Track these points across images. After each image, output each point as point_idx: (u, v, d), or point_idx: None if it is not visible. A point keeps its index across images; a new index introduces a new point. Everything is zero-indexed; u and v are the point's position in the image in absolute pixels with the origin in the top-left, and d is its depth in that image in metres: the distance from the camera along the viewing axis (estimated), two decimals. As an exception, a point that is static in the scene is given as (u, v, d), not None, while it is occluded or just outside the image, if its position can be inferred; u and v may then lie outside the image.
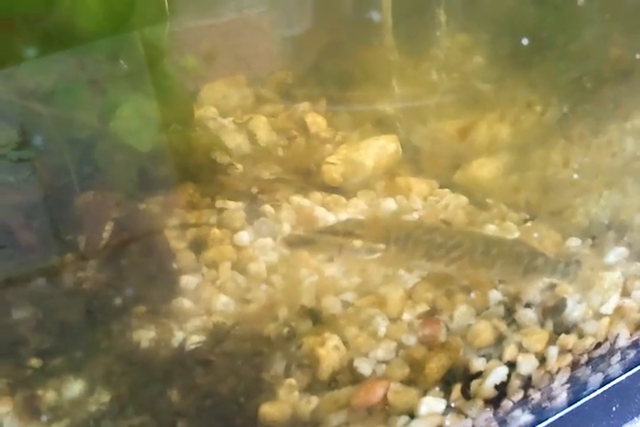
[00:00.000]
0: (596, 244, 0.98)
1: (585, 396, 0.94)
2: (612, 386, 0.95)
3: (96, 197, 0.97)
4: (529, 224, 1.00)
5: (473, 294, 0.85)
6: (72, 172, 0.97)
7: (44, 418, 0.75)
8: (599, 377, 0.95)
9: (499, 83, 1.25)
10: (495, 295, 0.89)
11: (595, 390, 0.94)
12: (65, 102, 0.87)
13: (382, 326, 0.84)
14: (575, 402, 0.93)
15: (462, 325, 0.86)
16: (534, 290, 0.90)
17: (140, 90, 0.95)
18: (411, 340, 0.84)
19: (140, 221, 0.99)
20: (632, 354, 0.97)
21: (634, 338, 0.96)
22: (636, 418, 1.01)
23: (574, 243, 0.99)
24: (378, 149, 1.15)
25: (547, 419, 0.91)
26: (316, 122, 1.26)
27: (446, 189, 1.11)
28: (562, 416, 0.92)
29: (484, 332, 0.85)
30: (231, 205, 1.04)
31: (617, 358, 0.95)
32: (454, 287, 0.88)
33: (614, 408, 0.97)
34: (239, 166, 1.14)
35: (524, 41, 1.24)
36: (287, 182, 1.11)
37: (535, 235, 0.90)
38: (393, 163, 1.16)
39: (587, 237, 0.98)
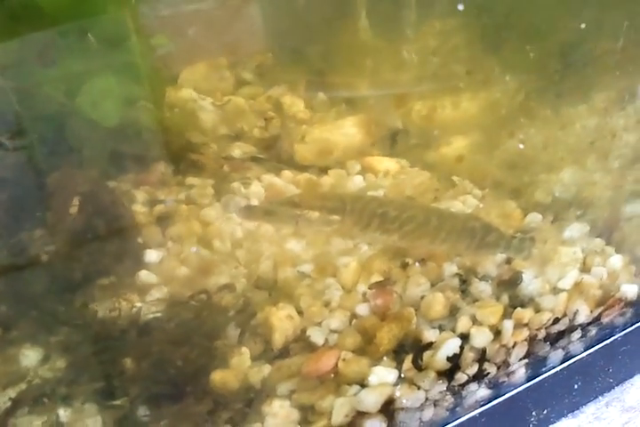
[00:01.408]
0: (557, 220, 0.98)
1: (544, 372, 0.94)
2: (573, 363, 0.96)
3: (65, 173, 1.00)
4: (489, 201, 1.01)
5: (418, 264, 0.86)
6: (42, 149, 0.99)
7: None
8: (559, 354, 0.95)
9: (473, 64, 1.25)
10: (450, 268, 0.90)
11: (554, 367, 0.95)
12: (30, 77, 0.89)
13: (336, 296, 0.85)
14: (534, 378, 0.94)
15: (416, 296, 0.87)
16: (490, 263, 0.91)
17: (108, 66, 0.97)
18: (363, 310, 0.85)
19: (108, 197, 1.01)
20: (593, 331, 0.97)
21: (594, 315, 0.96)
22: (600, 397, 1.01)
23: (534, 218, 0.99)
24: (350, 129, 1.16)
25: (504, 394, 0.92)
26: (294, 103, 1.27)
27: (416, 168, 1.12)
28: (520, 392, 0.93)
29: (438, 303, 0.86)
30: (200, 182, 1.06)
31: (577, 334, 0.96)
32: (409, 259, 0.89)
33: (576, 386, 0.98)
34: (213, 146, 1.16)
35: (499, 24, 1.26)
36: (259, 161, 1.13)
37: (492, 210, 0.90)
38: (365, 143, 1.17)
39: (548, 214, 0.99)
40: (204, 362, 0.81)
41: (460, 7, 1.02)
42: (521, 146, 1.07)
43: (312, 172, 1.12)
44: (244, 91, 1.33)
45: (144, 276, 0.91)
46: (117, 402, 0.77)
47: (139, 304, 0.87)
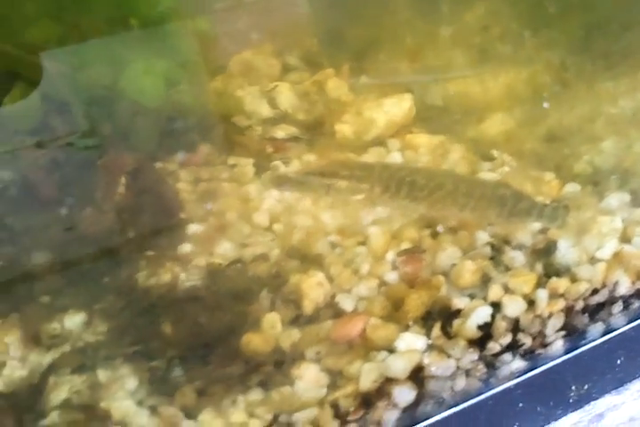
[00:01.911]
0: (597, 190, 0.96)
1: (584, 345, 0.92)
2: (615, 337, 0.93)
3: (114, 156, 1.05)
4: (526, 171, 1.00)
5: (448, 232, 0.86)
6: (92, 132, 1.04)
7: (44, 346, 0.83)
8: (599, 327, 0.93)
9: (515, 44, 1.24)
10: (482, 236, 0.89)
11: (594, 340, 0.92)
12: (76, 60, 0.94)
13: (365, 263, 0.86)
14: (573, 351, 0.91)
15: (446, 264, 0.86)
16: (524, 232, 0.90)
17: (150, 49, 1.01)
18: (392, 277, 0.86)
19: (153, 176, 1.05)
20: (636, 304, 0.94)
21: (636, 286, 0.93)
22: (646, 373, 0.98)
23: (573, 188, 0.97)
24: (391, 107, 1.16)
25: (541, 366, 0.90)
26: (338, 87, 1.29)
27: (456, 144, 1.12)
28: (558, 364, 0.91)
29: (468, 271, 0.86)
30: (243, 161, 1.09)
31: (619, 307, 0.93)
32: (440, 227, 0.89)
33: (619, 361, 0.95)
34: (258, 128, 1.19)
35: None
36: (300, 141, 1.15)
37: (529, 180, 0.89)
38: (406, 120, 1.17)
39: (588, 184, 0.97)
40: (237, 326, 0.83)
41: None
42: (567, 115, 1.05)
43: (353, 150, 1.13)
44: (290, 76, 1.35)
45: (185, 248, 0.95)
46: (153, 364, 0.80)
47: (179, 273, 0.91)
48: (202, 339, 0.83)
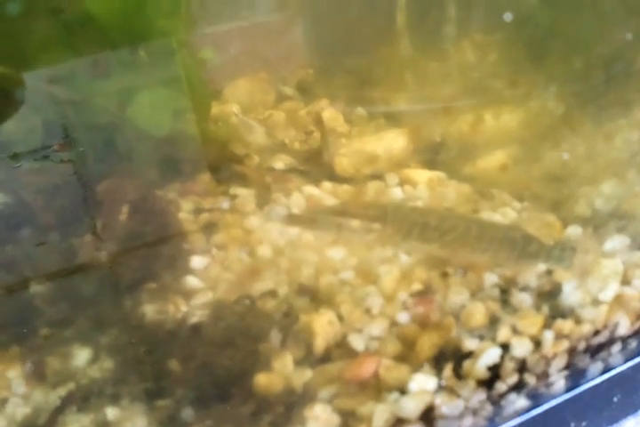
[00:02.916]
0: (598, 232, 0.97)
1: (584, 384, 0.93)
2: (613, 376, 0.94)
3: (114, 182, 1.02)
4: (528, 213, 1.01)
5: (458, 273, 0.86)
6: (94, 158, 1.01)
7: (49, 382, 0.79)
8: (599, 366, 0.94)
9: (512, 80, 1.26)
10: (491, 278, 0.90)
11: (594, 379, 0.93)
12: (84, 89, 0.91)
13: (377, 303, 0.85)
14: (573, 389, 0.92)
15: (456, 305, 0.86)
16: (531, 274, 0.90)
17: (158, 79, 0.99)
18: (404, 318, 0.85)
19: (156, 205, 1.03)
20: (634, 344, 0.96)
21: (635, 327, 0.95)
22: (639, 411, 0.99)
23: (574, 231, 0.98)
24: (389, 142, 1.16)
25: (543, 404, 0.90)
26: (333, 118, 1.28)
27: (454, 181, 1.12)
28: (559, 403, 0.91)
29: (478, 313, 0.86)
30: (244, 192, 1.07)
31: (617, 347, 0.94)
32: (449, 269, 0.89)
33: (615, 399, 0.96)
34: (256, 158, 1.17)
35: (537, 40, 1.27)
36: (300, 173, 1.14)
37: (532, 222, 0.90)
38: (404, 155, 1.18)
39: (588, 226, 0.98)
40: (248, 365, 0.81)
41: (506, 17, 1.02)
42: (565, 156, 1.06)
43: (351, 183, 1.12)
44: (285, 105, 1.35)
45: (190, 281, 0.92)
46: (163, 402, 0.78)
47: (185, 308, 0.88)
48: (212, 377, 0.80)
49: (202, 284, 0.92)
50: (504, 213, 1.02)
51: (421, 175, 1.13)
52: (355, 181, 1.13)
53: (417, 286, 0.87)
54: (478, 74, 1.29)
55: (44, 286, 0.92)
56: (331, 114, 1.29)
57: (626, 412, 0.98)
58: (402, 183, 1.12)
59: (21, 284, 0.92)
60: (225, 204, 1.05)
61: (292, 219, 0.87)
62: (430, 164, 1.16)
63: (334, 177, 1.14)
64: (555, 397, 0.91)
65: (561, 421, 0.92)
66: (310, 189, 1.10)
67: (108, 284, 0.92)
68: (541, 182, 1.06)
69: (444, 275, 0.88)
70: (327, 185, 1.11)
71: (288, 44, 1.38)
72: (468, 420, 0.85)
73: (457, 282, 0.88)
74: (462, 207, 1.02)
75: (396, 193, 1.07)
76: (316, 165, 1.17)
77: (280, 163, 1.17)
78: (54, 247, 0.96)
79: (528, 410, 0.89)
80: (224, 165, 1.14)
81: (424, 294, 0.86)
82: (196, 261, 0.95)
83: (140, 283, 0.92)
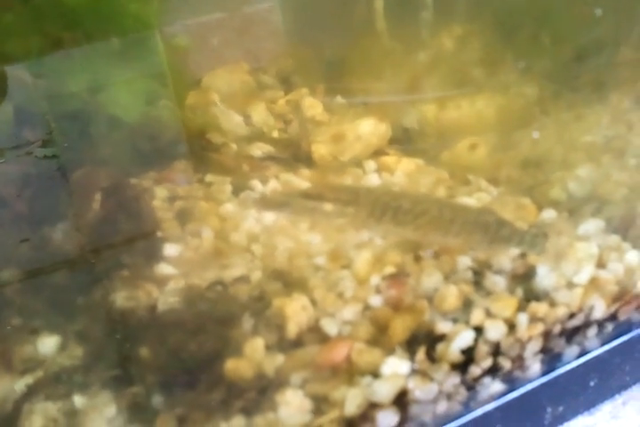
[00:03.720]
0: (572, 216, 0.96)
1: (559, 368, 0.92)
2: (589, 360, 0.93)
3: (88, 170, 1.00)
4: (503, 197, 0.99)
5: (431, 256, 0.84)
6: (67, 147, 0.99)
7: (16, 370, 0.77)
8: (575, 350, 0.92)
9: (488, 68, 1.25)
10: (464, 261, 0.88)
11: (570, 363, 0.92)
12: (54, 74, 0.89)
13: (349, 287, 0.84)
14: (549, 373, 0.91)
15: (429, 288, 0.85)
16: (504, 257, 0.89)
17: (131, 65, 0.97)
18: (376, 301, 0.84)
19: (129, 192, 1.01)
20: (610, 327, 0.94)
21: (611, 311, 0.93)
22: (617, 395, 0.98)
23: (549, 215, 0.97)
24: (367, 128, 1.15)
25: (519, 388, 0.89)
26: (312, 106, 1.27)
27: (432, 167, 1.11)
28: (535, 387, 0.90)
29: (451, 296, 0.84)
30: (220, 179, 1.05)
31: (593, 330, 0.93)
32: (422, 252, 0.87)
33: (592, 383, 0.95)
34: (233, 146, 1.16)
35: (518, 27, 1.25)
36: (277, 160, 1.12)
37: (506, 206, 0.89)
38: (382, 143, 1.16)
39: (563, 210, 0.97)
40: (219, 351, 0.79)
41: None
42: (539, 140, 1.05)
43: (328, 170, 1.11)
44: (264, 94, 1.33)
45: (162, 268, 0.91)
46: (132, 390, 0.76)
47: (156, 295, 0.87)
48: (182, 364, 0.79)
49: (175, 271, 0.91)
50: (479, 198, 1.01)
51: (398, 162, 1.12)
52: (332, 168, 1.11)
53: (389, 269, 0.85)
54: (457, 62, 1.28)
55: (14, 276, 0.90)
56: (310, 103, 1.28)
57: (603, 396, 0.96)
58: (379, 170, 1.11)
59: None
60: (200, 191, 1.03)
61: (263, 202, 0.86)
62: (408, 151, 1.15)
63: (312, 164, 1.13)
64: (530, 381, 0.89)
65: (537, 405, 0.91)
66: (287, 177, 1.08)
67: (81, 272, 0.90)
68: (518, 168, 1.05)
69: (417, 258, 0.87)
70: (305, 172, 1.10)
71: (268, 33, 1.36)
72: (443, 404, 0.84)
73: (430, 265, 0.86)
74: (438, 192, 1.01)
75: (373, 179, 1.06)
76: (294, 153, 1.15)
77: (258, 151, 1.15)
78: (26, 236, 0.94)
79: (503, 394, 0.88)
80: (201, 153, 1.13)
81: (397, 277, 0.84)
82: (170, 249, 0.94)
83: (112, 271, 0.91)
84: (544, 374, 0.90)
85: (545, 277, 0.88)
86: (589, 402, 0.95)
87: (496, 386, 0.87)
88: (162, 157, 1.09)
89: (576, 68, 1.15)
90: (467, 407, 0.86)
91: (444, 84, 1.24)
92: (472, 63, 1.25)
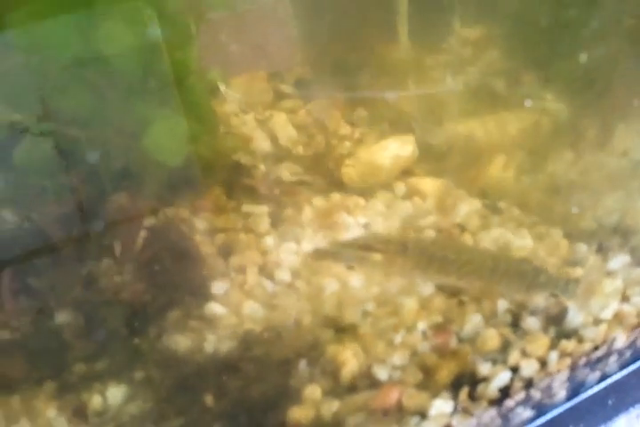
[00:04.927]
0: (602, 249, 1.04)
1: (582, 393, 1.02)
2: (609, 384, 1.04)
3: (128, 200, 1.04)
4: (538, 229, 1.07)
5: (471, 301, 0.93)
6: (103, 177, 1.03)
7: (93, 423, 0.85)
8: (596, 375, 1.03)
9: (514, 78, 1.29)
10: (503, 304, 0.97)
11: (592, 387, 1.03)
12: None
13: (398, 334, 0.92)
14: (573, 398, 1.02)
15: (471, 332, 0.94)
16: (539, 299, 0.98)
17: (169, 106, 1.00)
18: (424, 347, 0.92)
19: (172, 226, 1.06)
20: (627, 354, 1.05)
21: (630, 339, 1.04)
22: (631, 408, 1.10)
23: (581, 249, 1.05)
24: (395, 151, 1.20)
25: (545, 413, 1.00)
26: (334, 119, 1.31)
27: (462, 191, 1.17)
28: (560, 412, 1.01)
29: (491, 339, 0.93)
30: (256, 209, 1.11)
31: (614, 358, 1.04)
32: (465, 298, 0.95)
33: (610, 402, 1.06)
34: (261, 167, 1.20)
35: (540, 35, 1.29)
36: (308, 184, 1.17)
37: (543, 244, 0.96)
38: (409, 163, 1.22)
39: (593, 242, 1.05)
40: (279, 397, 0.87)
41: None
42: (570, 165, 1.10)
43: (359, 194, 1.17)
44: (283, 104, 1.36)
45: (212, 308, 0.97)
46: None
47: (211, 338, 0.94)
48: (246, 411, 0.87)
49: (224, 310, 0.97)
50: (512, 230, 1.08)
51: (428, 184, 1.18)
52: (362, 192, 1.17)
53: (436, 317, 0.93)
54: (478, 72, 1.32)
55: (68, 317, 0.96)
56: (330, 115, 1.32)
57: (618, 411, 1.08)
58: (409, 194, 1.17)
59: (47, 316, 0.96)
60: (238, 223, 1.09)
61: (318, 254, 0.93)
62: (435, 171, 1.21)
63: (342, 187, 1.18)
64: (556, 406, 1.00)
65: (561, 425, 1.02)
66: (320, 202, 1.14)
67: (134, 313, 0.96)
68: (549, 192, 1.12)
69: (461, 303, 0.95)
70: (336, 197, 1.16)
71: (284, 41, 1.38)
72: (481, 435, 0.94)
73: (472, 310, 0.95)
74: (472, 223, 1.08)
75: (407, 208, 1.12)
76: (322, 174, 1.20)
77: (286, 172, 1.20)
78: (73, 273, 1.00)
79: (532, 420, 0.98)
80: (231, 177, 1.17)
81: (442, 325, 0.93)
82: (217, 287, 1.00)
83: (164, 311, 0.97)
84: (568, 399, 1.01)
85: (575, 316, 0.98)
86: (607, 417, 1.06)
87: (527, 413, 0.98)
88: (193, 182, 1.13)
89: (607, 82, 1.19)
90: (501, 435, 0.96)
91: (467, 97, 1.29)
92: (496, 74, 1.29)
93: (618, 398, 1.07)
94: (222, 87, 1.28)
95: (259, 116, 1.32)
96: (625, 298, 1.03)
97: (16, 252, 1.00)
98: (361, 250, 0.91)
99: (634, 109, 1.20)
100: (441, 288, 0.96)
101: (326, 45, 1.39)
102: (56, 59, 0.89)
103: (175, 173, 1.11)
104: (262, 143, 1.26)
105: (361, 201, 1.15)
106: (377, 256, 0.91)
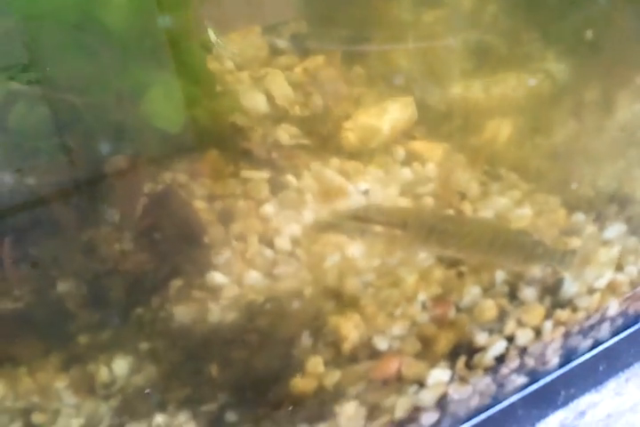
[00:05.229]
0: (599, 218, 1.06)
1: (574, 359, 1.07)
2: (601, 350, 1.08)
3: (125, 164, 1.03)
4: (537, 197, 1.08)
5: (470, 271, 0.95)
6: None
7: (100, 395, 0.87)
8: (588, 342, 1.07)
9: (516, 36, 1.27)
10: (500, 275, 0.99)
11: (584, 354, 1.07)
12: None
13: (398, 305, 0.95)
14: (565, 365, 1.06)
15: (469, 303, 0.97)
16: (536, 270, 1.00)
17: (166, 69, 0.98)
18: (423, 318, 0.95)
19: (170, 191, 1.06)
20: (620, 321, 1.09)
21: (622, 308, 1.07)
22: (620, 373, 1.14)
23: (578, 218, 1.07)
24: (394, 114, 1.20)
25: (539, 380, 1.04)
26: (331, 77, 1.30)
27: (461, 155, 1.18)
28: (553, 378, 1.05)
29: (489, 309, 0.97)
30: (255, 175, 1.11)
31: (606, 325, 1.07)
32: (464, 268, 0.98)
33: (601, 368, 1.11)
34: (259, 129, 1.19)
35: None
36: (306, 148, 1.17)
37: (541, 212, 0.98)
38: (409, 126, 1.22)
39: (590, 211, 1.06)
40: (283, 368, 0.91)
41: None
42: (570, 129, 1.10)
43: (358, 159, 1.17)
44: (279, 61, 1.34)
45: (215, 277, 0.99)
46: (207, 408, 0.87)
47: (214, 307, 0.96)
48: (250, 381, 0.90)
49: (226, 279, 0.99)
50: (512, 197, 1.09)
51: (427, 148, 1.18)
52: (361, 157, 1.17)
53: (435, 288, 0.96)
54: (479, 28, 1.29)
55: (70, 287, 0.97)
56: (328, 73, 1.30)
57: (609, 375, 1.13)
58: (409, 159, 1.17)
59: (47, 283, 0.97)
60: (237, 189, 1.09)
61: (319, 226, 0.94)
62: (435, 135, 1.21)
63: (340, 151, 1.18)
64: (549, 373, 1.04)
65: (553, 391, 1.06)
66: (318, 167, 1.14)
67: (137, 282, 0.98)
68: (548, 157, 1.13)
69: (460, 274, 0.97)
70: (335, 162, 1.16)
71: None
72: (475, 400, 0.98)
73: (471, 281, 0.97)
74: (472, 190, 1.09)
75: (406, 174, 1.12)
76: (320, 137, 1.20)
77: (284, 134, 1.19)
78: (73, 241, 1.00)
79: (526, 386, 1.03)
80: (228, 140, 1.16)
81: (441, 297, 0.95)
82: (219, 255, 1.01)
83: (166, 280, 0.98)
84: (561, 366, 1.05)
85: (570, 286, 1.01)
86: (597, 382, 1.12)
87: (520, 380, 1.02)
88: (191, 146, 1.13)
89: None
90: (495, 400, 1.01)
91: (466, 58, 1.27)
92: (498, 33, 1.28)
93: (608, 363, 1.11)
94: (217, 43, 1.25)
95: (254, 74, 1.30)
96: (619, 267, 1.06)
97: (13, 218, 1.01)
98: (361, 222, 0.92)
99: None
100: (440, 259, 0.97)
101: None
102: (51, 22, 0.86)
103: (172, 136, 1.10)
104: (259, 103, 1.24)
105: (360, 166, 1.15)
106: (377, 228, 0.93)
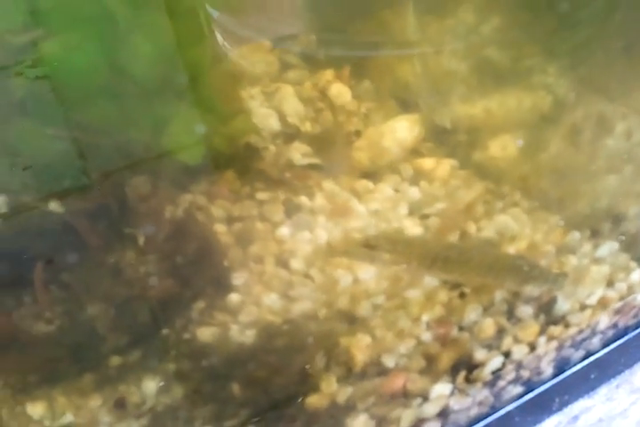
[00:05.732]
0: (594, 235, 1.15)
1: (567, 370, 1.17)
2: (592, 361, 1.18)
3: (147, 186, 1.11)
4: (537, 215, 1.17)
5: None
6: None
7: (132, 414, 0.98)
8: (581, 353, 1.18)
9: (520, 51, 1.33)
10: (499, 294, 1.10)
11: (576, 364, 1.17)
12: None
13: (405, 326, 1.05)
14: (558, 375, 1.16)
15: (470, 321, 1.07)
16: (532, 290, 1.10)
17: (186, 103, 1.06)
18: (427, 337, 1.06)
19: (191, 214, 1.15)
20: (610, 333, 1.19)
21: (612, 322, 1.17)
22: (612, 379, 1.25)
23: (574, 237, 1.17)
24: (402, 132, 1.28)
25: (534, 389, 1.15)
26: (341, 93, 1.37)
27: (467, 171, 1.26)
28: (547, 387, 1.16)
29: (488, 327, 1.07)
30: (269, 196, 1.19)
31: (597, 338, 1.18)
32: (466, 290, 1.08)
33: (592, 376, 1.21)
34: (272, 148, 1.28)
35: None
36: (318, 168, 1.25)
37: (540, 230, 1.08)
38: (416, 143, 1.30)
39: (586, 229, 1.15)
40: (300, 385, 1.01)
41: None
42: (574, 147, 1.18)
43: (368, 177, 1.25)
44: (289, 75, 1.41)
45: (234, 298, 1.09)
46: (230, 423, 0.99)
47: (234, 328, 1.06)
48: (269, 399, 1.01)
49: (245, 301, 1.09)
50: (514, 216, 1.18)
51: (434, 166, 1.26)
52: (370, 175, 1.25)
53: (439, 309, 1.06)
54: (484, 44, 1.36)
55: (98, 309, 1.07)
56: (337, 89, 1.38)
57: (600, 382, 1.23)
58: (416, 177, 1.25)
59: (77, 307, 1.06)
60: (253, 211, 1.18)
61: (331, 251, 1.05)
62: (441, 152, 1.29)
63: (350, 169, 1.27)
64: (543, 382, 1.15)
65: (548, 399, 1.17)
66: (330, 186, 1.23)
67: (161, 305, 1.08)
68: (549, 174, 1.21)
69: (462, 295, 1.08)
70: (346, 181, 1.24)
71: (288, 7, 1.40)
72: (474, 410, 1.10)
73: (472, 301, 1.07)
74: (477, 210, 1.18)
75: (415, 194, 1.21)
76: (331, 155, 1.28)
77: (296, 153, 1.27)
78: (101, 265, 1.10)
79: (522, 395, 1.14)
80: (243, 160, 1.24)
81: (444, 317, 1.05)
82: (237, 278, 1.11)
83: (188, 302, 1.08)
84: (554, 376, 1.16)
85: (563, 304, 1.11)
86: (590, 388, 1.22)
87: (516, 390, 1.13)
88: (209, 167, 1.21)
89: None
90: (493, 409, 1.12)
91: (474, 73, 1.34)
92: (500, 46, 1.34)
93: (600, 371, 1.22)
94: (232, 60, 1.32)
95: (265, 89, 1.37)
96: (609, 283, 1.15)
97: (43, 242, 1.10)
98: (370, 249, 1.03)
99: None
100: (444, 282, 1.08)
101: (330, 13, 1.41)
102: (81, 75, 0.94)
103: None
104: (271, 120, 1.32)
105: (370, 185, 1.24)
106: (385, 256, 1.03)
